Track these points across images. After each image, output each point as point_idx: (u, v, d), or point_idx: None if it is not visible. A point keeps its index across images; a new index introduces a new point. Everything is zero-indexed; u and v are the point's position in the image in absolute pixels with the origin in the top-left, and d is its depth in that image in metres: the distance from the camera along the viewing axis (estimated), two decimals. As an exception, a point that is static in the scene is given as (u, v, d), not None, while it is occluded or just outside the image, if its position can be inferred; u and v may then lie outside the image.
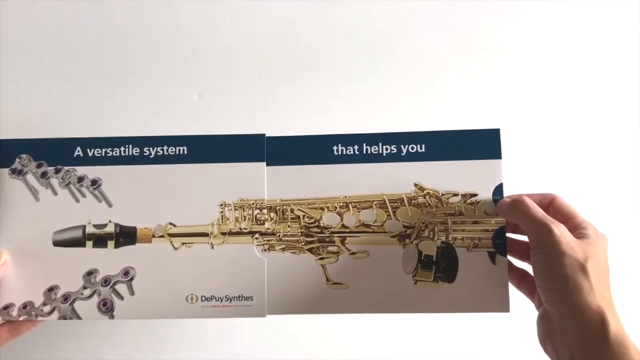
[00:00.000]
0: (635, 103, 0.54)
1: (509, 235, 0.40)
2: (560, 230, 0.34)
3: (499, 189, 0.39)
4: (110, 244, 0.40)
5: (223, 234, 0.40)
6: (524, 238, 0.39)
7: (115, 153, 0.41)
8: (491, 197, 0.39)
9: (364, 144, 0.40)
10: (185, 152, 0.41)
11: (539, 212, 0.36)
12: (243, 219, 0.40)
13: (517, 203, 0.37)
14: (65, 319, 0.39)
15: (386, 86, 0.54)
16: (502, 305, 0.38)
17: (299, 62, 0.54)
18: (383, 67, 0.54)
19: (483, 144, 0.39)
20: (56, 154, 0.41)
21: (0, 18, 0.54)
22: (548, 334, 0.35)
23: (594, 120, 0.54)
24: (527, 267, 0.38)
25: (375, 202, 0.40)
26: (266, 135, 0.41)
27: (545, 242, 0.34)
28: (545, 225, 0.34)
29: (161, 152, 0.41)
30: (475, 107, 0.54)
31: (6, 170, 0.41)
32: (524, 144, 0.53)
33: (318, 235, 0.40)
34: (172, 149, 0.41)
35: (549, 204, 0.38)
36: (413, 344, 0.52)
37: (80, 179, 0.41)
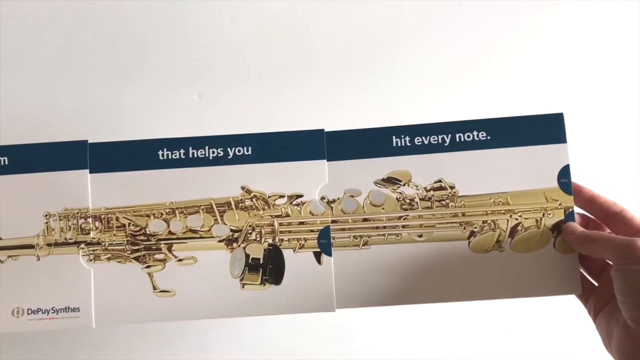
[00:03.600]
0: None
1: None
2: None
3: (566, 174, 0.38)
4: (-62, 259, 0.39)
5: (49, 245, 0.39)
6: None
7: (-64, 166, 0.40)
8: (316, 198, 0.39)
9: (190, 148, 0.39)
10: (6, 163, 0.39)
11: (615, 236, 0.35)
12: (68, 229, 0.39)
13: (590, 237, 0.36)
14: None
15: (387, 87, 0.54)
16: (328, 305, 0.38)
17: (299, 62, 0.54)
18: (384, 68, 0.54)
19: (309, 145, 0.39)
20: None
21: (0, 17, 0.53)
22: (631, 353, 0.34)
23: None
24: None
25: (202, 207, 0.39)
26: (89, 141, 0.40)
27: (635, 258, 0.32)
28: (630, 242, 0.33)
29: (-19, 163, 0.39)
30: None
31: None
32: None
33: (144, 243, 0.39)
34: (-9, 160, 0.39)
35: (618, 213, 0.37)
36: (412, 344, 0.53)
37: None
